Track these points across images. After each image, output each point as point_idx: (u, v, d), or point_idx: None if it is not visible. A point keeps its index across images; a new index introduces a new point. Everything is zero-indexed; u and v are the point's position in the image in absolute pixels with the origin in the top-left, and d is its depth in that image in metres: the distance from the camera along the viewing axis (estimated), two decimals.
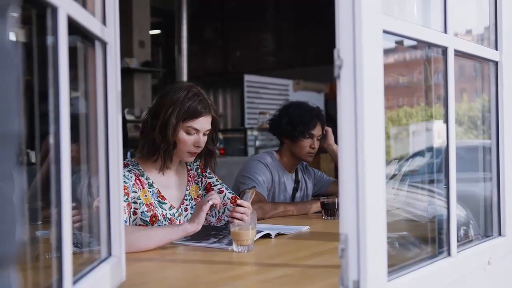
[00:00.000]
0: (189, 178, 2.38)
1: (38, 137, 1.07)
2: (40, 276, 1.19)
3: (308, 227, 2.38)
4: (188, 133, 2.18)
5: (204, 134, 2.22)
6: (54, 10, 0.97)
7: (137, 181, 2.17)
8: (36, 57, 1.06)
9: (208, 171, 2.43)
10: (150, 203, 2.18)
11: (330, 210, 2.65)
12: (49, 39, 1.00)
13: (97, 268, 1.25)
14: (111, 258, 1.35)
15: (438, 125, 1.88)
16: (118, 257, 1.37)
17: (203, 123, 2.20)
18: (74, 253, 1.06)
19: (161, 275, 1.63)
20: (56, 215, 1.00)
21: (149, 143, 2.19)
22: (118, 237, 1.37)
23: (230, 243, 1.92)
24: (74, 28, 1.10)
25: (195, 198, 2.36)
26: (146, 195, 2.18)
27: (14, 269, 0.58)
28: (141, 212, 2.15)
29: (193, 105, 2.16)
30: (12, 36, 0.57)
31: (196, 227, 1.94)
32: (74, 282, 1.07)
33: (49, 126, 1.01)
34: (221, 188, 2.39)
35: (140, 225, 2.14)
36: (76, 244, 1.33)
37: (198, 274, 1.63)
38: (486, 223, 1.86)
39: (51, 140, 0.99)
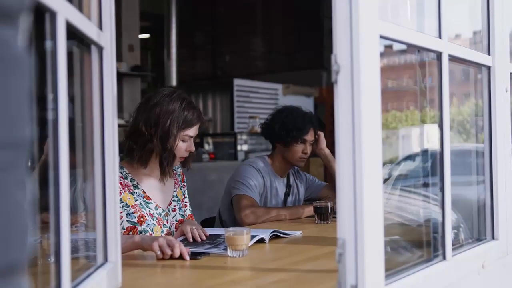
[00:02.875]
0: (176, 181, 2.45)
1: (36, 143, 1.06)
2: (37, 282, 1.18)
3: (301, 232, 2.38)
4: (183, 141, 2.27)
5: (194, 139, 2.33)
6: (53, 15, 0.97)
7: (119, 183, 2.19)
8: (33, 62, 1.05)
9: (185, 182, 2.53)
10: (135, 205, 2.22)
11: (323, 215, 2.65)
12: (47, 44, 1.00)
13: (94, 274, 1.25)
14: (107, 264, 1.34)
15: (428, 129, 1.89)
16: (114, 263, 1.36)
17: (196, 129, 2.31)
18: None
19: (156, 281, 1.63)
20: (54, 221, 0.99)
21: (147, 153, 2.24)
22: (114, 243, 1.37)
23: (226, 249, 1.92)
24: (71, 32, 1.10)
25: (181, 200, 2.43)
26: (129, 198, 2.23)
27: (25, 276, 0.58)
28: (127, 214, 2.19)
29: (189, 115, 2.26)
30: (23, 43, 0.57)
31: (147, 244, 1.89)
32: None
33: (45, 131, 1.00)
34: (187, 202, 2.49)
35: (127, 227, 2.16)
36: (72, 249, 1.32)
37: (193, 280, 1.63)
38: (479, 227, 1.87)
39: (50, 145, 0.99)
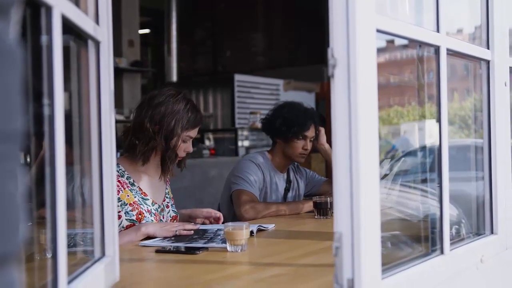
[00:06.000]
0: (167, 180, 2.49)
1: (33, 138, 1.06)
2: (34, 276, 1.19)
3: (273, 225, 2.40)
4: (184, 141, 2.32)
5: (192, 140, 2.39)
6: (49, 9, 0.97)
7: (117, 182, 2.20)
8: (28, 56, 1.05)
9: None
10: (133, 202, 2.25)
11: (323, 210, 2.65)
12: (43, 38, 1.00)
13: (91, 268, 1.25)
14: (104, 258, 1.34)
15: (429, 125, 1.88)
16: (112, 257, 1.37)
17: (196, 131, 2.37)
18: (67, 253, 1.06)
19: (154, 275, 1.63)
20: (50, 215, 0.99)
21: (150, 150, 2.27)
22: (111, 237, 1.37)
23: (224, 241, 1.92)
24: (67, 27, 1.09)
25: (172, 198, 2.49)
26: (128, 195, 2.25)
27: (17, 267, 0.58)
28: (125, 213, 2.21)
29: (193, 117, 2.31)
30: (14, 35, 0.57)
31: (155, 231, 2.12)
32: (69, 282, 1.06)
33: (39, 127, 1.00)
34: (170, 202, 2.51)
35: (127, 226, 2.18)
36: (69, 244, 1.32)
37: (192, 274, 1.63)
38: (478, 222, 1.87)
39: (46, 141, 0.99)
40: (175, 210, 2.47)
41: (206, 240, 2.03)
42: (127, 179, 2.29)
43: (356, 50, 1.14)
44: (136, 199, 2.26)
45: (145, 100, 2.33)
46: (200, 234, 2.15)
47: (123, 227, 2.19)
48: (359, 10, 1.14)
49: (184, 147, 2.33)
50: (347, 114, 1.15)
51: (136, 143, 2.26)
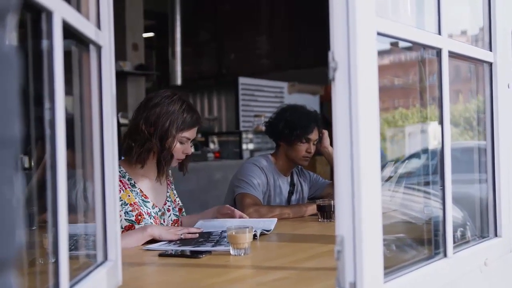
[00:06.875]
0: (168, 183, 2.49)
1: (33, 142, 1.07)
2: (36, 281, 1.19)
3: (275, 220, 2.40)
4: (181, 143, 2.31)
5: (191, 142, 2.37)
6: (49, 14, 0.97)
7: (118, 182, 2.22)
8: (30, 61, 1.05)
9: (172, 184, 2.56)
10: (134, 203, 2.26)
11: (326, 213, 2.65)
12: (44, 43, 1.00)
13: (94, 272, 1.25)
14: (107, 263, 1.34)
15: (433, 127, 1.88)
16: (114, 262, 1.37)
17: (194, 133, 2.35)
18: (70, 257, 1.06)
19: (157, 280, 1.63)
20: (52, 221, 1.00)
21: (146, 151, 2.27)
22: (114, 241, 1.37)
23: (228, 245, 1.91)
24: (69, 32, 1.10)
25: (173, 201, 2.47)
26: (129, 195, 2.26)
27: (14, 272, 0.58)
28: (125, 213, 2.22)
29: (188, 117, 2.30)
30: (11, 41, 0.57)
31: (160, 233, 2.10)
32: (71, 287, 1.06)
33: (43, 131, 1.00)
34: (179, 202, 2.54)
35: (125, 226, 2.18)
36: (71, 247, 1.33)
37: (195, 278, 1.63)
38: (482, 224, 1.86)
39: (47, 145, 0.99)
40: (177, 214, 2.46)
41: (213, 243, 2.02)
42: (128, 180, 2.29)
43: (357, 53, 1.14)
44: (136, 200, 2.27)
45: (142, 102, 2.36)
46: (206, 237, 2.15)
47: (122, 226, 2.19)
48: (359, 13, 1.14)
49: (182, 149, 2.31)
50: (348, 117, 1.15)
51: (133, 146, 2.26)
